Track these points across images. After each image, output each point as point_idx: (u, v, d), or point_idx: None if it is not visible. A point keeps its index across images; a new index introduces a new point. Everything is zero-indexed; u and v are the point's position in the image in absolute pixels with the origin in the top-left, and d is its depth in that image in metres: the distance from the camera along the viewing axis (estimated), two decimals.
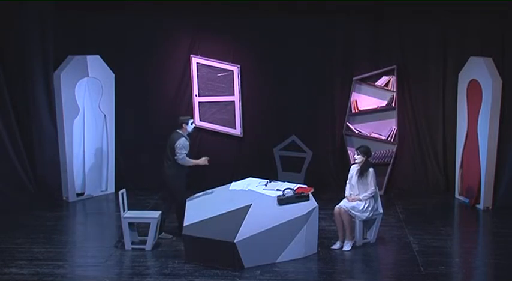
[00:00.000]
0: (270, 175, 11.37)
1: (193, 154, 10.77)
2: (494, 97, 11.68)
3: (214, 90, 13.17)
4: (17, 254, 9.57)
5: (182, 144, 10.05)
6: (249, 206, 9.08)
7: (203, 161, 10.22)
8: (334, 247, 9.86)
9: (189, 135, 10.31)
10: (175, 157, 10.04)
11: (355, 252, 9.74)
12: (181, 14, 13.02)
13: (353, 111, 13.16)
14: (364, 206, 9.85)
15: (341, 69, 13.17)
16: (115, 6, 12.75)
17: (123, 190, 9.86)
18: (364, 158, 9.99)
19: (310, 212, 9.49)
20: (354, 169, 10.06)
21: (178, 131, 10.23)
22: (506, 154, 11.96)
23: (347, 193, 10.03)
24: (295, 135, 12.88)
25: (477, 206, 12.04)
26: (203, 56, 13.10)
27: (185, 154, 10.07)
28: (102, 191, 12.97)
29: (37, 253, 9.67)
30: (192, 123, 10.30)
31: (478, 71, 11.98)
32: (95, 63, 12.59)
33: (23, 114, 12.29)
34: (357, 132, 13.15)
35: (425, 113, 13.09)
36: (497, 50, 12.26)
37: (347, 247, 9.80)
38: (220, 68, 13.11)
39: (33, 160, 12.38)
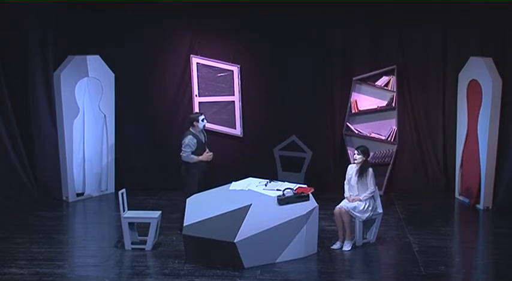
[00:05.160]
0: (270, 175, 11.36)
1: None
2: (494, 97, 11.68)
3: (214, 90, 13.17)
4: (17, 254, 9.57)
5: (187, 142, 10.10)
6: (249, 206, 9.08)
7: (206, 156, 10.25)
8: (334, 247, 9.86)
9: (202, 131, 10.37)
10: (180, 154, 10.09)
11: (355, 252, 9.74)
12: (181, 14, 13.03)
13: (353, 111, 13.16)
14: (364, 207, 9.86)
15: (341, 69, 13.16)
16: (115, 6, 12.76)
17: (123, 190, 9.85)
18: (364, 159, 10.00)
19: (310, 212, 9.49)
20: (352, 169, 10.06)
21: (190, 129, 10.25)
22: (506, 154, 11.96)
23: (346, 194, 10.03)
24: (295, 135, 12.88)
25: (477, 206, 12.04)
26: (203, 56, 13.10)
27: (190, 152, 10.10)
28: (102, 191, 12.98)
29: (37, 253, 9.66)
30: (203, 120, 10.31)
31: (478, 71, 11.98)
32: (95, 63, 12.59)
33: (23, 115, 12.29)
34: (357, 132, 13.15)
35: (425, 113, 13.08)
36: (497, 50, 12.25)
37: (347, 247, 9.80)
38: (220, 68, 13.11)
39: (33, 159, 12.39)
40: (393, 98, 13.02)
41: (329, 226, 10.66)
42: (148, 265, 9.24)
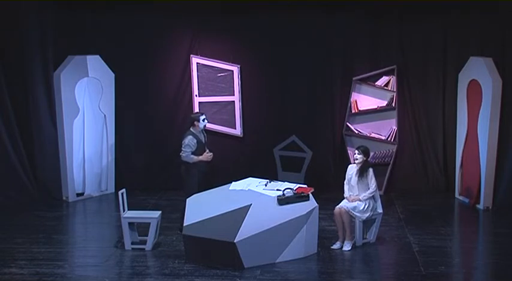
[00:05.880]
0: (270, 175, 11.36)
1: None
2: (494, 97, 11.68)
3: (214, 90, 13.17)
4: (17, 254, 9.57)
5: (187, 142, 10.09)
6: (249, 206, 9.08)
7: (206, 157, 10.23)
8: (334, 247, 9.86)
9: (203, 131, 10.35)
10: (180, 154, 10.09)
11: (355, 252, 9.74)
12: (181, 14, 13.03)
13: (353, 111, 13.16)
14: (364, 207, 9.86)
15: (341, 69, 13.16)
16: (115, 7, 12.76)
17: (123, 190, 9.85)
18: (365, 159, 10.00)
19: (310, 212, 9.49)
20: (352, 170, 10.06)
21: (190, 129, 10.24)
22: (506, 154, 11.96)
23: (346, 194, 10.03)
24: (295, 136, 12.88)
25: (477, 206, 12.04)
26: (203, 56, 13.10)
27: (190, 152, 10.09)
28: (102, 191, 12.98)
29: (37, 253, 9.67)
30: (204, 120, 10.30)
31: (478, 71, 11.98)
32: (95, 63, 12.59)
33: (23, 115, 12.29)
34: (357, 132, 13.15)
35: (425, 113, 13.08)
36: (497, 50, 12.25)
37: (347, 247, 9.80)
38: (220, 68, 13.11)
39: (33, 159, 12.39)
40: (393, 98, 13.02)
41: (329, 226, 10.66)
42: (148, 265, 9.24)
